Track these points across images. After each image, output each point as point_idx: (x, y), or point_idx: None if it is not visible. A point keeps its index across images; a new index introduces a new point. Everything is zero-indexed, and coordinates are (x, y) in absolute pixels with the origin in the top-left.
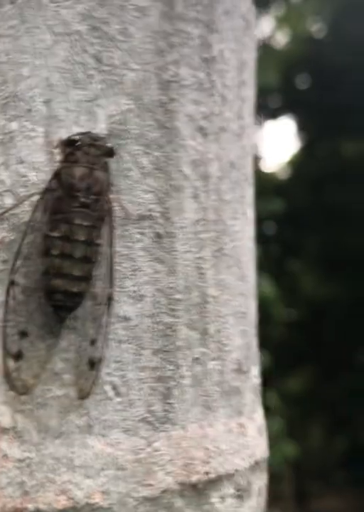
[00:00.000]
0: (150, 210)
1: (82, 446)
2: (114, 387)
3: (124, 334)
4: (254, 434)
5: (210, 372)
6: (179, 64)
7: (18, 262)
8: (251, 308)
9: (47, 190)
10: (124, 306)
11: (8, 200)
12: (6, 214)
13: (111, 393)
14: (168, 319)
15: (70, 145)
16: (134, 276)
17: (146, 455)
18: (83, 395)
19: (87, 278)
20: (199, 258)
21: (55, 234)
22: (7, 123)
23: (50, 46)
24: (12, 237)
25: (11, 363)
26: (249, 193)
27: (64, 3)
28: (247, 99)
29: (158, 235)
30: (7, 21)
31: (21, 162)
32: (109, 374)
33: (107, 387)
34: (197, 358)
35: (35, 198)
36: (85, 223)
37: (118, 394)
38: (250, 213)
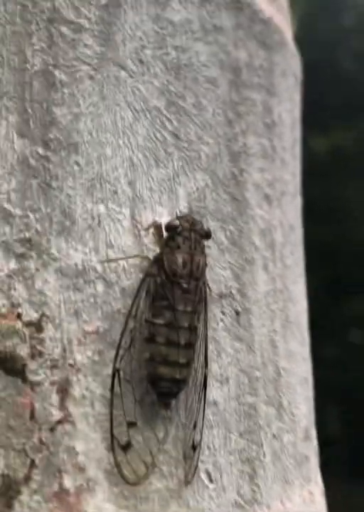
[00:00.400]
0: (229, 287)
1: None
2: (208, 474)
3: (213, 419)
4: (320, 499)
5: (285, 446)
6: (246, 133)
7: (121, 350)
8: (310, 371)
9: (147, 276)
10: (212, 391)
11: (100, 288)
12: (99, 302)
13: (206, 480)
14: (250, 399)
15: (170, 230)
16: (219, 358)
17: None
18: (188, 480)
19: (189, 363)
20: (272, 331)
21: (160, 321)
22: (94, 206)
23: (131, 124)
24: (106, 327)
25: (121, 454)
26: (302, 252)
27: (142, 78)
28: (298, 156)
29: (237, 313)
30: (87, 99)
31: (111, 246)
32: (202, 461)
33: (203, 475)
34: (274, 434)
35: (124, 283)
36: (188, 309)
37: (211, 480)
38: (303, 272)
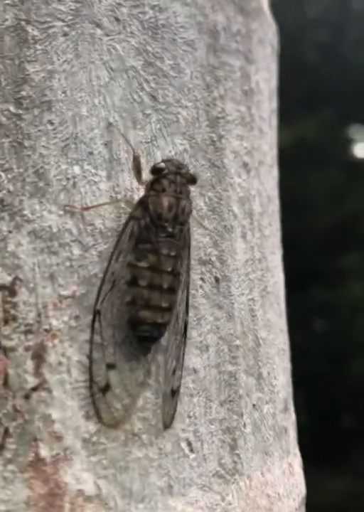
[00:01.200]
0: (209, 253)
1: (165, 508)
2: (189, 443)
3: (194, 387)
4: (298, 470)
5: (265, 417)
6: (224, 99)
7: (103, 292)
8: (287, 343)
9: (131, 218)
10: (192, 358)
11: (76, 251)
12: (75, 266)
13: (186, 450)
14: (230, 368)
15: (156, 172)
16: (198, 325)
17: (221, 510)
18: (166, 424)
19: (171, 308)
20: (250, 299)
21: (143, 264)
22: (69, 167)
23: (106, 83)
24: (83, 291)
25: (99, 396)
26: (279, 224)
27: (118, 37)
28: (275, 128)
29: (217, 280)
30: (61, 56)
31: (86, 209)
32: (183, 430)
33: (183, 444)
34: (254, 404)
35: (101, 247)
36: (172, 253)
37: (192, 450)
38: (280, 244)
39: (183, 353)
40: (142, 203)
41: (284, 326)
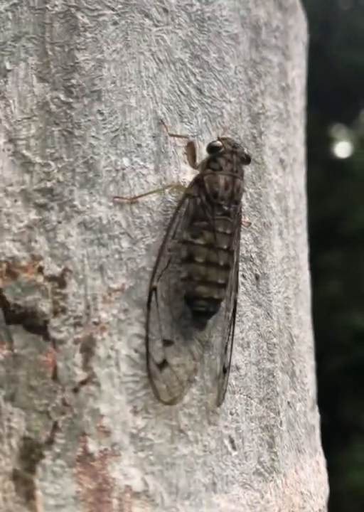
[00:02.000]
0: (250, 250)
1: (209, 505)
2: (231, 441)
3: (235, 384)
4: (323, 469)
5: (298, 415)
6: (264, 94)
7: (159, 269)
8: (313, 340)
9: (187, 196)
10: (235, 355)
11: (125, 244)
12: (124, 258)
13: (229, 447)
14: (269, 365)
15: (212, 151)
16: (240, 322)
17: (261, 508)
18: (219, 402)
19: (226, 284)
20: (286, 298)
21: (199, 241)
22: (118, 159)
23: (155, 75)
24: (131, 284)
25: (157, 372)
26: (306, 222)
27: (166, 28)
28: (304, 125)
29: (257, 277)
30: (111, 45)
31: (135, 202)
32: (226, 427)
33: (226, 441)
34: (289, 402)
35: (149, 241)
36: (227, 231)
37: (234, 447)
38: (307, 241)
39: (233, 331)
40: (198, 181)
41: (310, 323)
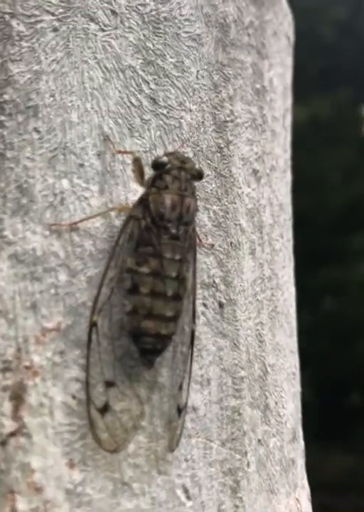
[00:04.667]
0: (212, 275)
1: None
2: (185, 490)
3: (192, 427)
4: (306, 504)
5: (271, 452)
6: (234, 99)
7: (99, 301)
8: (297, 364)
9: (131, 218)
10: (191, 394)
11: (63, 277)
12: (61, 294)
13: (183, 497)
14: (234, 402)
15: (157, 167)
16: (199, 357)
17: None
18: (172, 447)
19: (176, 317)
20: (258, 323)
21: (144, 270)
22: (56, 181)
23: (101, 85)
24: (69, 322)
25: (98, 419)
26: (291, 232)
27: (114, 32)
28: (289, 127)
29: (221, 305)
30: (50, 54)
31: (75, 229)
32: (179, 475)
33: (179, 491)
34: (260, 440)
35: (91, 272)
36: (176, 257)
37: (189, 497)
38: (292, 254)
39: (190, 366)
40: (142, 201)
41: (294, 346)
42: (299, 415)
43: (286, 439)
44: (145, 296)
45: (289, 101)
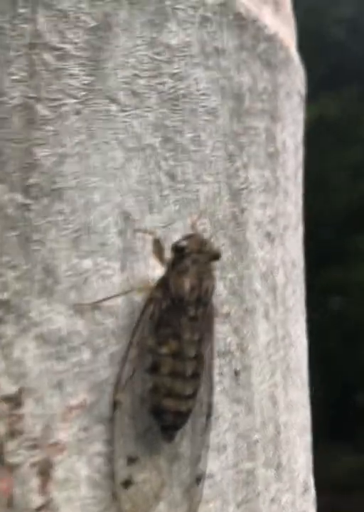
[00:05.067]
0: (228, 343)
1: None
2: None
3: (210, 493)
4: None
5: (284, 507)
6: (248, 167)
7: (122, 380)
8: (309, 416)
9: (151, 300)
10: (209, 462)
11: (86, 355)
12: (85, 371)
13: None
14: (248, 465)
15: (177, 251)
16: (216, 425)
17: None
18: None
19: (194, 394)
20: (272, 385)
21: (164, 350)
22: (80, 261)
23: (122, 165)
24: (93, 399)
25: (121, 491)
26: (304, 286)
27: (134, 112)
28: (301, 181)
29: (236, 372)
30: (73, 137)
31: (98, 308)
32: None
33: None
34: (273, 498)
35: (113, 349)
36: (195, 338)
37: None
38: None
39: (208, 437)
40: (163, 283)
41: (305, 399)
42: (310, 465)
43: (298, 492)
44: (165, 375)
45: (300, 155)
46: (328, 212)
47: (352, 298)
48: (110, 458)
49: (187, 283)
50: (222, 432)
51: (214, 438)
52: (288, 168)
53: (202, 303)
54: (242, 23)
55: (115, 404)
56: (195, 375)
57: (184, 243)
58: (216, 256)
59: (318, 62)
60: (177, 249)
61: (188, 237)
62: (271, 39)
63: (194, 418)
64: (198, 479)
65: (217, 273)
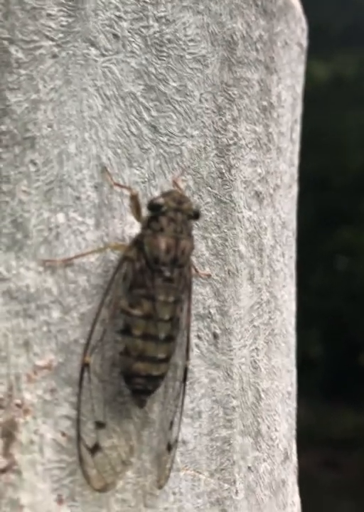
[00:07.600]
0: (207, 306)
1: None
2: None
3: (181, 460)
4: None
5: (261, 477)
6: (238, 121)
7: (92, 342)
8: (294, 381)
9: (125, 259)
10: (182, 429)
11: (56, 314)
12: (53, 331)
13: None
14: (224, 432)
15: (153, 209)
16: (191, 390)
17: None
18: (160, 484)
19: (168, 358)
20: (253, 350)
21: (137, 312)
22: (52, 215)
23: (100, 114)
24: (61, 360)
25: (88, 457)
26: (294, 248)
27: (115, 57)
28: (298, 138)
29: (215, 336)
30: (48, 82)
31: (70, 265)
32: (166, 509)
33: None
34: (249, 466)
35: (84, 308)
36: (170, 299)
37: None
38: (294, 270)
39: (182, 403)
40: (137, 242)
41: (291, 364)
42: (293, 432)
43: (277, 461)
44: (137, 338)
45: (299, 111)
46: (343, 172)
47: (361, 257)
48: (77, 420)
49: (162, 243)
50: (197, 397)
51: (188, 404)
52: (284, 123)
53: (178, 264)
54: None
55: (84, 367)
56: (169, 338)
57: (160, 200)
58: (195, 215)
59: (335, 20)
60: (153, 207)
61: (165, 194)
62: None
63: (167, 382)
64: (170, 446)
65: (199, 233)
